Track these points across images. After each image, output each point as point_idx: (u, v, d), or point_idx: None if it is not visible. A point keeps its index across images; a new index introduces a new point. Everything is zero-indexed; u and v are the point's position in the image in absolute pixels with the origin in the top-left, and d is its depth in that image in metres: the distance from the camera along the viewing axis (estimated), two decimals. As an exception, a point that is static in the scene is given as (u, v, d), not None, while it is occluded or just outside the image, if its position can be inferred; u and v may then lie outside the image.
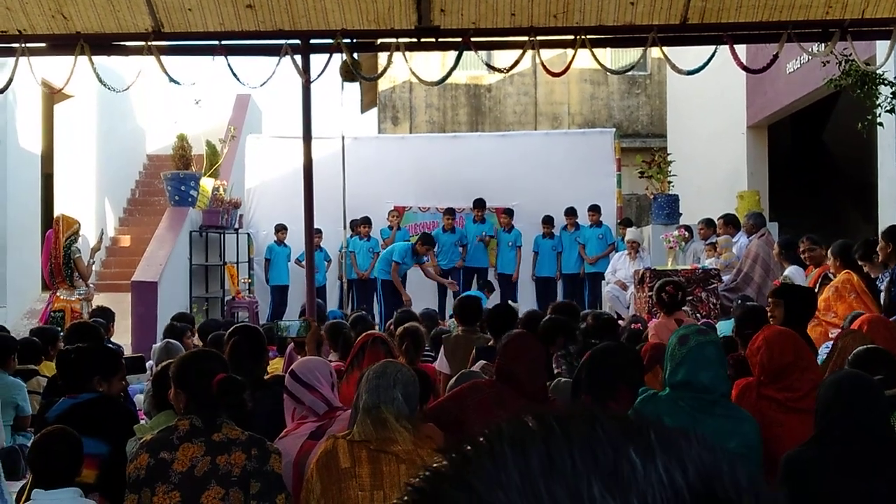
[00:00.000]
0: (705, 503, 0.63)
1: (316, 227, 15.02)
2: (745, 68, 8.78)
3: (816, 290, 8.12)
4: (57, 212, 15.48)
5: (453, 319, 8.59)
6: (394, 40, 8.22)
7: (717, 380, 4.02)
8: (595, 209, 15.58)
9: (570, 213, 15.69)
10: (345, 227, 14.17)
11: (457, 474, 0.66)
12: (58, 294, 11.16)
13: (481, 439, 0.68)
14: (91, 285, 11.79)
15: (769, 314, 6.00)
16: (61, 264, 11.12)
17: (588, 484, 0.62)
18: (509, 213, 15.92)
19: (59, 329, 10.02)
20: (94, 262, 12.15)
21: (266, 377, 5.52)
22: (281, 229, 15.57)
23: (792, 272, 9.38)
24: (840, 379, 3.69)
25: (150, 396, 5.18)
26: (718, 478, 0.64)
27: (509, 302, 12.89)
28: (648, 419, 0.69)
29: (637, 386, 4.27)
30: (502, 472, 0.64)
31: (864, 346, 4.94)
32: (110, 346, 8.00)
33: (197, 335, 9.28)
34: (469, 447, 0.68)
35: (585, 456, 0.64)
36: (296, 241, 14.68)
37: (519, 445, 0.65)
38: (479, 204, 15.80)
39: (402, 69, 15.72)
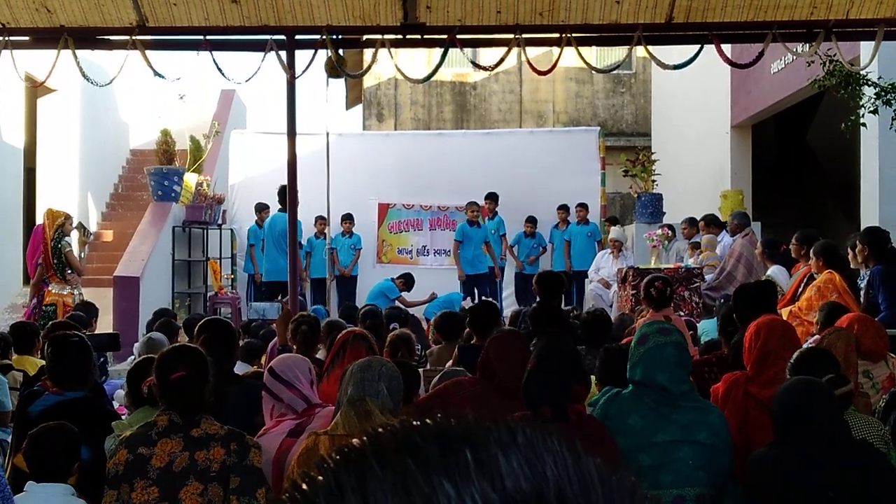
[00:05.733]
0: None
1: (347, 212, 15.06)
2: (730, 62, 8.81)
3: (801, 289, 8.15)
4: (39, 206, 15.46)
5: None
6: (379, 37, 8.20)
7: (675, 381, 4.02)
8: (583, 206, 15.48)
9: (563, 208, 15.57)
10: (328, 224, 14.17)
11: None
12: (49, 288, 11.06)
13: (302, 485, 0.68)
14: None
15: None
16: (51, 259, 11.04)
17: None
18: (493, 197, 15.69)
19: (43, 324, 9.95)
20: (83, 257, 12.08)
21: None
22: (263, 209, 15.40)
23: (775, 272, 9.41)
24: (793, 387, 3.75)
25: (126, 393, 5.16)
26: (539, 492, 0.65)
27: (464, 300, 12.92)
28: (469, 433, 0.69)
29: (587, 381, 4.29)
30: None
31: (808, 347, 5.02)
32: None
33: (183, 331, 9.21)
34: (293, 501, 0.68)
35: (399, 494, 0.64)
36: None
37: (336, 492, 0.66)
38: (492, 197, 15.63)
39: (387, 66, 15.73)
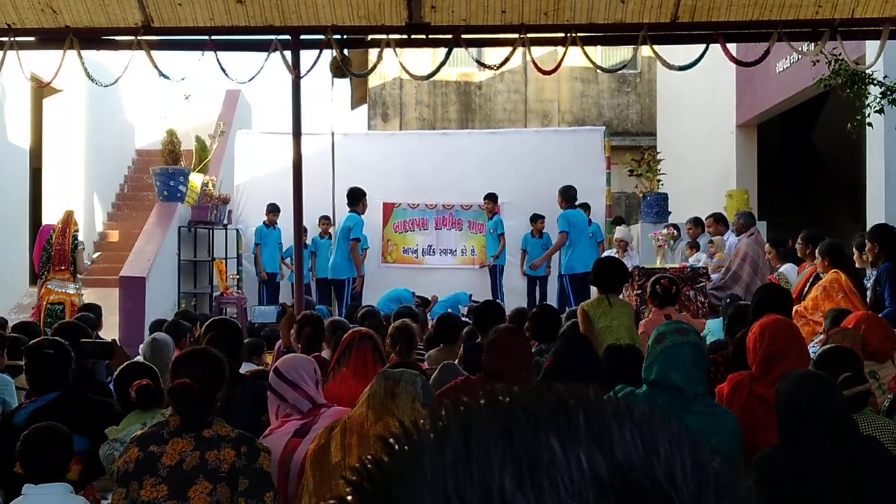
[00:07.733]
0: (629, 494, 0.61)
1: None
2: (735, 61, 8.81)
3: (806, 289, 8.15)
4: (45, 206, 15.51)
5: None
6: (384, 37, 8.21)
7: (689, 381, 3.99)
8: (585, 207, 15.43)
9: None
10: (333, 224, 14.16)
11: (381, 476, 0.65)
12: (48, 285, 11.10)
13: (409, 432, 0.67)
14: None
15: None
16: (69, 254, 11.14)
17: (500, 478, 0.61)
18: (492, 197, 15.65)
19: (49, 322, 9.99)
20: (89, 258, 12.12)
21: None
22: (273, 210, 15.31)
23: (787, 269, 9.41)
24: (797, 380, 3.71)
25: (116, 398, 5.16)
26: (648, 467, 0.62)
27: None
28: (586, 401, 0.66)
29: (604, 380, 4.28)
30: (419, 471, 0.63)
31: (831, 346, 4.98)
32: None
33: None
34: (397, 440, 0.66)
35: (503, 446, 0.62)
36: (286, 238, 14.69)
37: (438, 438, 0.64)
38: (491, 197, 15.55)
39: (392, 65, 15.70)
